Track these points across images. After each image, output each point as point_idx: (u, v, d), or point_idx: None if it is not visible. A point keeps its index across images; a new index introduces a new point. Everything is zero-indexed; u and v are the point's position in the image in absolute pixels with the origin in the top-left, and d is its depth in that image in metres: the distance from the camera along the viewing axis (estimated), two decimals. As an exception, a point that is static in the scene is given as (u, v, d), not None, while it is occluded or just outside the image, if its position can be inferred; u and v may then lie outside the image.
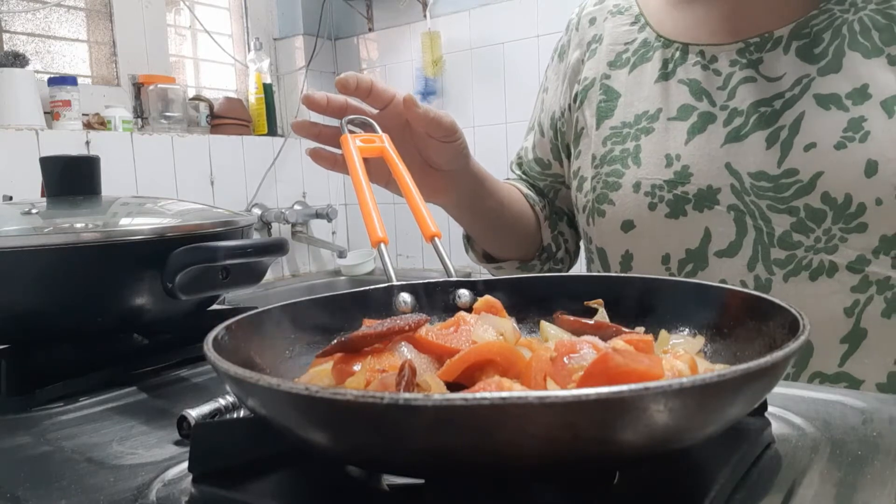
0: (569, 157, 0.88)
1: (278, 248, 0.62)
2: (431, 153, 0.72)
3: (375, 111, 0.69)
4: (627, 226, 0.75)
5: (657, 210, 0.73)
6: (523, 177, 0.95)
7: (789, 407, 0.45)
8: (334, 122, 0.67)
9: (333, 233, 2.53)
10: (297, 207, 2.35)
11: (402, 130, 0.70)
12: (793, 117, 0.68)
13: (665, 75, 0.77)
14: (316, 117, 0.70)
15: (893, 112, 0.65)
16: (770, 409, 0.43)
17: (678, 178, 0.72)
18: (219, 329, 0.39)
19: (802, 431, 0.42)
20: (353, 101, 0.69)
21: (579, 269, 1.03)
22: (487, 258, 0.92)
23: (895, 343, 0.68)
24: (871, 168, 0.64)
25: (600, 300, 0.49)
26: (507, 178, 0.95)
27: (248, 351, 0.41)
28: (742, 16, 0.75)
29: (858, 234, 0.65)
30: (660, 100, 0.76)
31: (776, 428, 0.41)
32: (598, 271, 0.83)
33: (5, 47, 1.83)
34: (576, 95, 0.85)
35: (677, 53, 0.77)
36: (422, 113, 0.67)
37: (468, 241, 0.93)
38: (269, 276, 2.12)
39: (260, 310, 0.45)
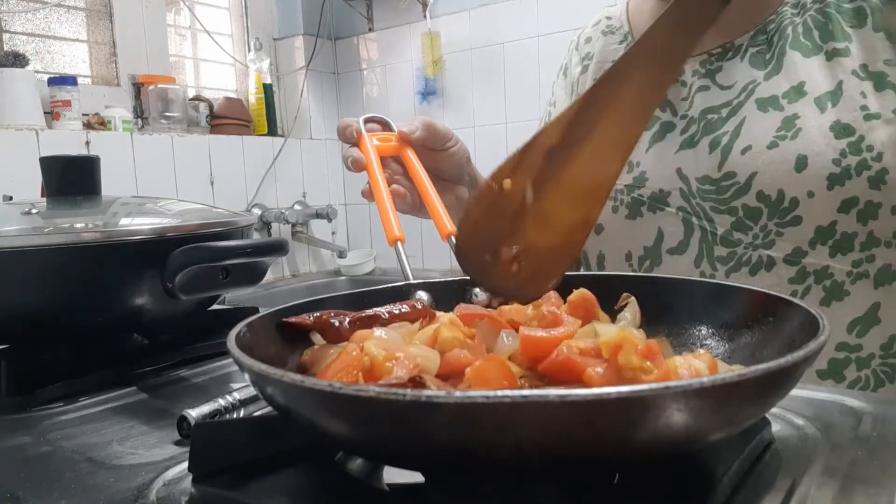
0: None
1: (278, 248, 0.62)
2: (438, 165, 0.74)
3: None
4: (598, 229, 0.81)
5: (619, 213, 0.79)
6: None
7: (789, 407, 0.45)
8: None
9: (333, 233, 2.53)
10: (297, 207, 2.35)
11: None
12: (735, 123, 0.72)
13: None
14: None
15: (825, 107, 0.67)
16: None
17: (636, 183, 0.78)
18: (241, 326, 0.39)
19: (802, 431, 0.42)
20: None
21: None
22: None
23: (834, 330, 0.69)
24: (802, 163, 0.66)
25: (627, 294, 0.49)
26: None
27: (270, 347, 0.42)
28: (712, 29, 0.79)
29: (793, 228, 0.68)
30: None
31: (776, 428, 0.42)
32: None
33: (5, 47, 1.83)
34: None
35: None
36: (418, 133, 0.70)
37: None
38: (269, 276, 2.12)
39: (282, 307, 0.46)
